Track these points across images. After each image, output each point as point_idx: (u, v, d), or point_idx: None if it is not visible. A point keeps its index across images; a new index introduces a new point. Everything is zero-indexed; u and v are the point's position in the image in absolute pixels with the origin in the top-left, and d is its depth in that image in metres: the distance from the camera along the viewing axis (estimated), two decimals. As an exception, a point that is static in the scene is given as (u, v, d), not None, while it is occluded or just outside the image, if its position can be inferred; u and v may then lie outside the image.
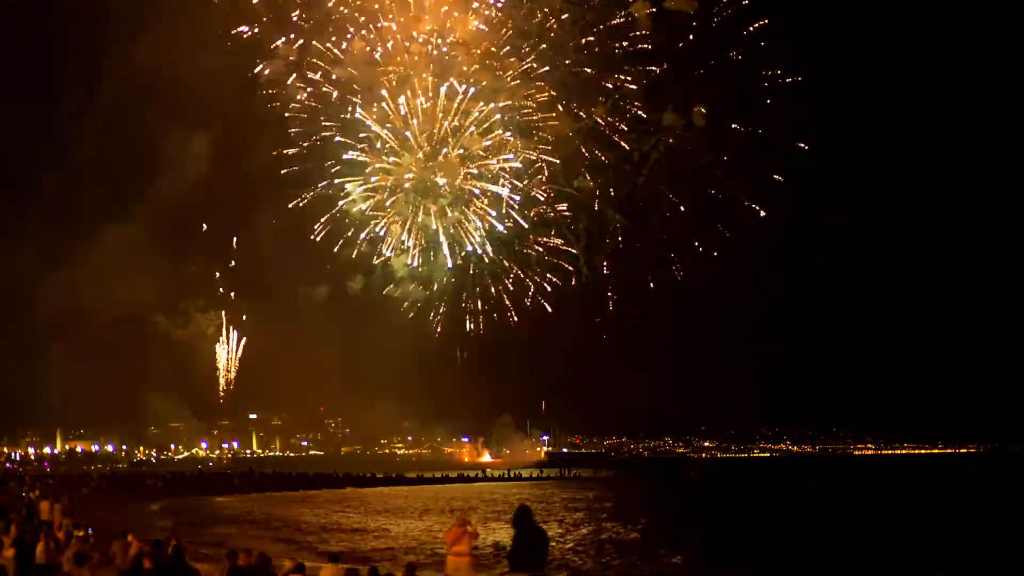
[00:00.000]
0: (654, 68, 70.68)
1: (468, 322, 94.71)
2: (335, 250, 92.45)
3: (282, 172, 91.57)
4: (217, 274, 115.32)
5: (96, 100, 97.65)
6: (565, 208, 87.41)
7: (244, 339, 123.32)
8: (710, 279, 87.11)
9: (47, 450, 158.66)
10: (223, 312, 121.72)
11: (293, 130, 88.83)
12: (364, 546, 36.39)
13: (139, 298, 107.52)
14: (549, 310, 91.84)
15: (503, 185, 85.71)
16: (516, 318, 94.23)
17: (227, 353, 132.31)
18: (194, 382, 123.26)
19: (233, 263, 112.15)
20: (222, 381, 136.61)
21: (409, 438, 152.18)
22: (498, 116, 77.39)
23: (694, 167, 78.24)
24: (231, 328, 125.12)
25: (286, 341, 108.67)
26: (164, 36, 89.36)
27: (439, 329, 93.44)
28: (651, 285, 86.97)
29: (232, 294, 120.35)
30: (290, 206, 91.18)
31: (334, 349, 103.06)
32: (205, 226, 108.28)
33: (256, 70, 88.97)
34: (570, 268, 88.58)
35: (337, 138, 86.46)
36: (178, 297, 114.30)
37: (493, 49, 74.32)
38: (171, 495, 73.57)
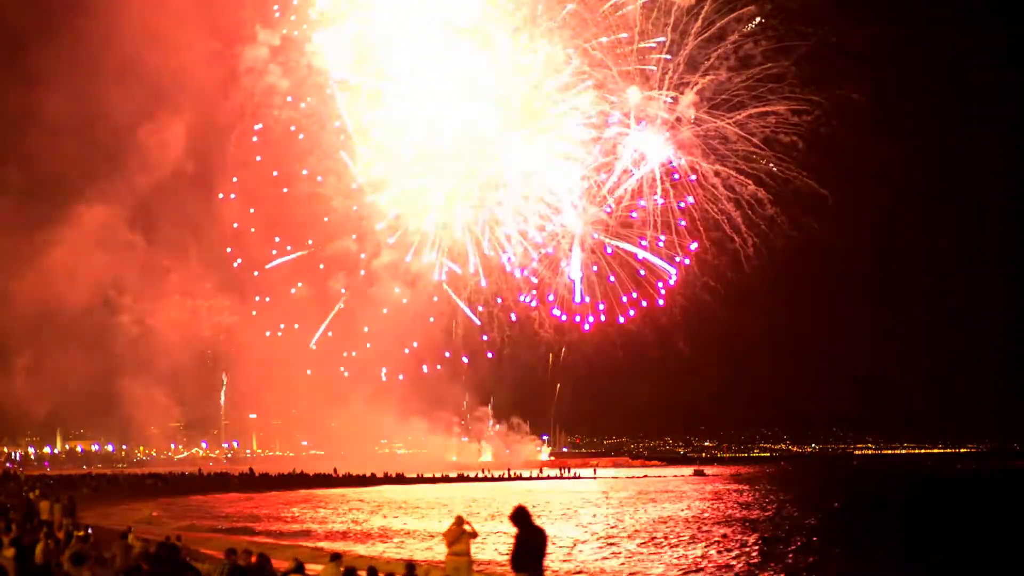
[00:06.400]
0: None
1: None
2: (323, 246, 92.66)
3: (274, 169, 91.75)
4: (197, 264, 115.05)
5: (63, 88, 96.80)
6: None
7: (237, 338, 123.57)
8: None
9: (47, 450, 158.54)
10: (211, 307, 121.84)
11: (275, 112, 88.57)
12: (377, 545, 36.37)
13: (113, 287, 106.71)
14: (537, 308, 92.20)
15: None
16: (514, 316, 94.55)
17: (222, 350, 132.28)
18: (192, 381, 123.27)
19: (220, 256, 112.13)
20: (221, 379, 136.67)
21: (409, 437, 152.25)
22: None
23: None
24: (222, 325, 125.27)
25: (278, 340, 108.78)
26: (141, 21, 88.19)
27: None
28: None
29: (222, 295, 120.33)
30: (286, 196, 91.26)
31: (320, 347, 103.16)
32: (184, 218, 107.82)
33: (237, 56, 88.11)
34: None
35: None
36: (161, 290, 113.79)
37: None
38: (171, 494, 73.58)
